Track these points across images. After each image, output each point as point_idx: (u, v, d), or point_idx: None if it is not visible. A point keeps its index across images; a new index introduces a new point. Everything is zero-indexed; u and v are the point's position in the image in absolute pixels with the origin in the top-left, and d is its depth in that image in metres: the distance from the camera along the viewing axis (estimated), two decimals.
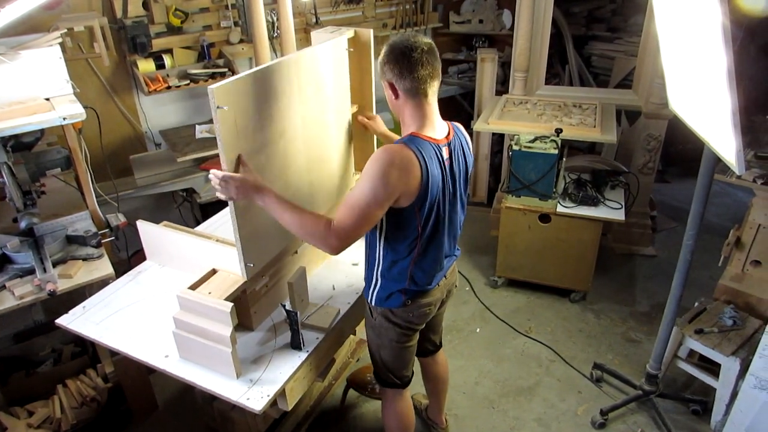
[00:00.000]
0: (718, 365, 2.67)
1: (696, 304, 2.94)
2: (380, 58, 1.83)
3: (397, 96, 1.82)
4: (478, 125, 3.82)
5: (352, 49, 2.32)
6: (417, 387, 3.01)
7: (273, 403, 1.85)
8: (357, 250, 2.56)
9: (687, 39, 1.93)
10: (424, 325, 2.15)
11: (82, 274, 2.47)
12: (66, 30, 2.91)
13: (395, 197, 1.72)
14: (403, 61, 1.73)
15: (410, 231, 1.85)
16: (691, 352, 2.86)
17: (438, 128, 1.86)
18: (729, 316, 2.75)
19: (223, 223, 2.70)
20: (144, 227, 2.35)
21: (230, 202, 1.78)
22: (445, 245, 2.00)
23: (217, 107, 1.61)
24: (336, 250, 1.72)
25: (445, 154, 1.84)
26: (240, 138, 1.75)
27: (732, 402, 2.54)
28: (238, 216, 1.81)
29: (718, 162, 2.13)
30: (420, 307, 2.03)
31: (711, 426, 2.75)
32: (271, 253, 2.06)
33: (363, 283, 2.33)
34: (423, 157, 1.74)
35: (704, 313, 2.84)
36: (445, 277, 2.11)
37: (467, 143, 1.99)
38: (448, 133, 1.89)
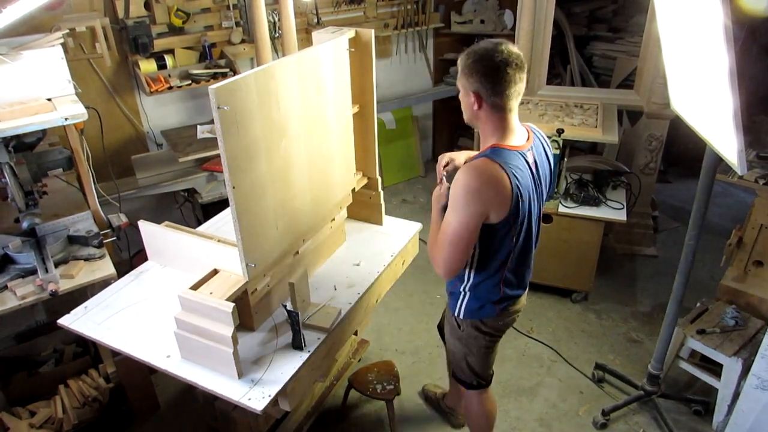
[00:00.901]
0: (720, 365, 2.67)
1: (698, 304, 2.94)
2: (465, 62, 1.73)
3: (480, 107, 1.76)
4: None
5: (353, 49, 2.32)
6: (424, 378, 3.02)
7: (274, 403, 1.85)
8: (359, 249, 2.56)
9: (689, 39, 1.93)
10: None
11: (83, 274, 2.48)
12: (68, 30, 2.92)
13: (486, 216, 1.71)
14: (496, 78, 1.68)
15: (504, 246, 1.84)
16: (693, 353, 2.86)
17: (519, 135, 1.82)
18: (731, 317, 2.75)
19: (225, 223, 2.70)
20: (145, 227, 2.35)
21: (231, 203, 1.78)
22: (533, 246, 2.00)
23: (218, 107, 1.61)
24: (445, 277, 1.85)
25: (530, 159, 1.81)
26: (241, 138, 1.75)
27: (734, 402, 2.54)
28: (240, 216, 1.81)
29: (719, 162, 2.13)
30: (510, 314, 2.09)
31: (713, 426, 2.74)
32: (272, 254, 2.06)
33: (365, 284, 2.33)
34: (510, 169, 1.70)
35: (706, 314, 2.84)
36: None
37: (546, 142, 1.97)
38: (528, 137, 1.86)
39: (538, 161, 1.85)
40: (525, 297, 2.13)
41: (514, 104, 1.75)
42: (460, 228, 1.71)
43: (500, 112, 1.74)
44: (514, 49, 1.70)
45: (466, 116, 1.85)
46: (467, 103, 1.80)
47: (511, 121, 1.78)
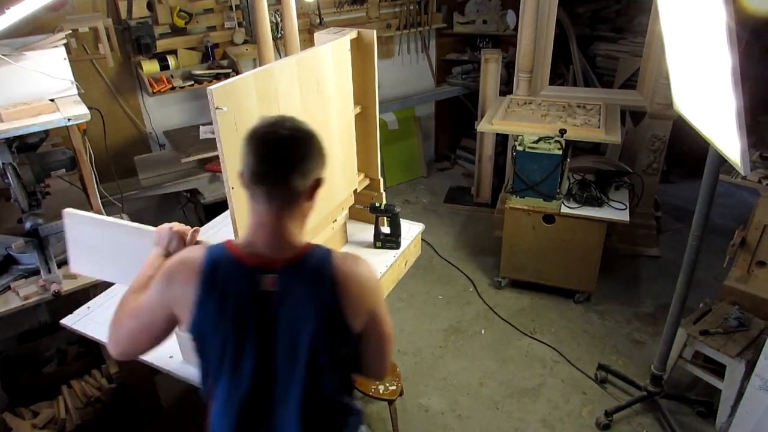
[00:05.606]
0: (724, 366, 2.66)
1: (701, 305, 2.93)
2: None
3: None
4: (482, 126, 3.82)
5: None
6: (426, 379, 3.01)
7: None
8: (362, 250, 2.56)
9: (692, 39, 1.92)
10: None
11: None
12: (71, 31, 2.93)
13: (168, 307, 1.31)
14: (247, 146, 1.28)
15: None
16: (696, 353, 2.85)
17: (273, 246, 1.30)
18: (734, 317, 2.74)
19: (227, 224, 2.70)
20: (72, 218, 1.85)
21: (230, 203, 1.78)
22: None
23: (216, 108, 1.61)
24: (110, 347, 1.40)
25: (267, 284, 1.27)
26: (240, 139, 1.74)
27: (737, 403, 2.53)
28: (239, 217, 1.81)
29: (723, 162, 2.12)
30: None
31: (716, 427, 2.74)
32: None
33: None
34: (213, 269, 1.28)
35: (709, 314, 2.83)
36: None
37: (335, 289, 1.30)
38: (293, 258, 1.31)
39: (285, 297, 1.28)
40: None
41: (269, 197, 1.28)
42: (141, 297, 1.40)
43: (252, 197, 1.30)
44: (291, 123, 1.30)
45: None
46: None
47: (262, 219, 1.30)
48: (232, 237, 1.84)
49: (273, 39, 3.35)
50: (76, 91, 2.54)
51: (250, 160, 1.26)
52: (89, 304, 2.23)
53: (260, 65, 3.35)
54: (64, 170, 2.63)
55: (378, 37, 2.37)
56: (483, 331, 3.48)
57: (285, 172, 1.26)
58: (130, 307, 1.39)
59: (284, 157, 1.25)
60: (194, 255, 1.31)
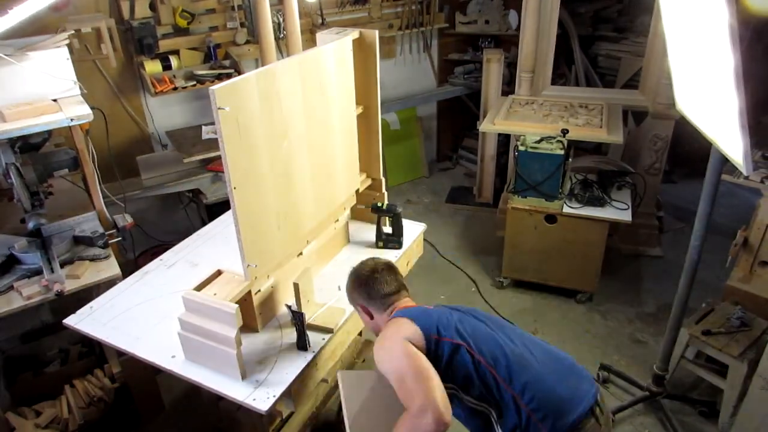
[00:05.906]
0: (726, 366, 2.66)
1: (703, 305, 2.93)
2: (347, 287, 2.02)
3: (371, 316, 1.95)
4: (484, 126, 3.82)
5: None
6: None
7: (279, 403, 1.85)
8: (364, 250, 2.56)
9: (694, 39, 1.92)
10: None
11: (89, 274, 2.49)
12: (73, 31, 2.93)
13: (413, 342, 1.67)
14: (368, 284, 1.92)
15: (472, 371, 1.68)
16: (699, 353, 2.84)
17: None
18: (736, 317, 2.73)
19: (229, 224, 2.71)
20: None
21: (232, 203, 1.78)
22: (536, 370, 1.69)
23: (219, 108, 1.61)
24: (436, 427, 1.45)
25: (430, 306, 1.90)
26: (242, 139, 1.75)
27: (740, 403, 2.53)
28: (240, 217, 1.81)
29: (725, 162, 2.12)
30: None
31: (718, 427, 2.73)
32: (274, 255, 2.06)
33: None
34: (417, 315, 1.77)
35: (711, 314, 2.83)
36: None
37: None
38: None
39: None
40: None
41: (398, 303, 1.90)
42: (403, 361, 1.62)
43: (387, 309, 1.90)
44: (380, 260, 2.02)
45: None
46: (364, 320, 2.03)
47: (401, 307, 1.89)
48: (233, 236, 1.85)
49: (275, 39, 3.36)
50: (78, 92, 2.54)
51: (379, 288, 1.90)
52: (92, 303, 2.23)
53: (262, 65, 3.35)
54: (66, 170, 2.64)
55: (380, 37, 2.37)
56: None
57: (402, 279, 1.97)
58: (414, 380, 1.56)
59: (396, 272, 1.98)
60: (400, 322, 1.75)
